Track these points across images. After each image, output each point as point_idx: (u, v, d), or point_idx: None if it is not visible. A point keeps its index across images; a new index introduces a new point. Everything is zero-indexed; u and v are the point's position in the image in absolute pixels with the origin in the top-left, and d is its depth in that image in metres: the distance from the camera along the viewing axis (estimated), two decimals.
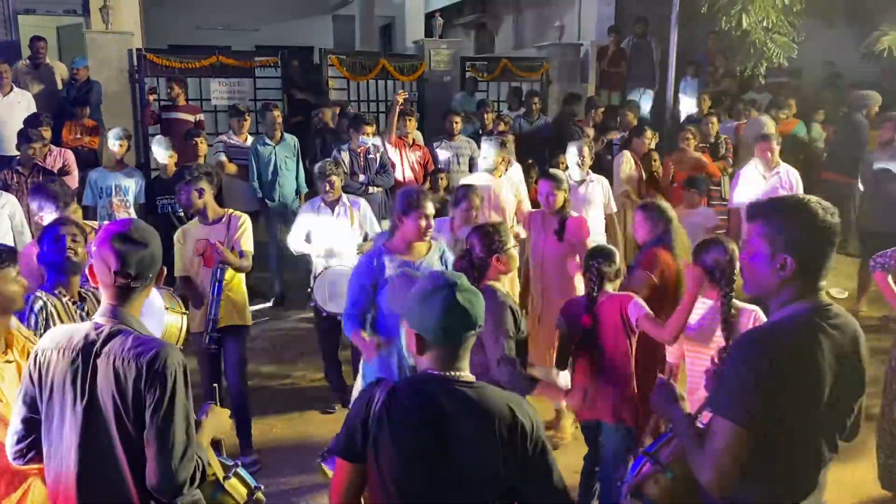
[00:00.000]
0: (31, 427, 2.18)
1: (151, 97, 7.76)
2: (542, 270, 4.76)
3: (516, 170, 6.43)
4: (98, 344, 2.07)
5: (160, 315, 3.56)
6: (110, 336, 2.08)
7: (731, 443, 1.86)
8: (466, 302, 1.89)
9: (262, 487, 2.44)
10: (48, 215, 4.08)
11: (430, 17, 10.43)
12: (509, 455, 1.87)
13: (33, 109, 7.16)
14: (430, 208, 3.66)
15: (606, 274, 3.58)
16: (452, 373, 1.92)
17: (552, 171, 4.99)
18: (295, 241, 5.29)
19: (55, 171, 6.03)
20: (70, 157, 6.37)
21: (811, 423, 1.92)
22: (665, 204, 4.38)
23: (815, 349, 1.88)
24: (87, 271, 2.24)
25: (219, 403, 2.57)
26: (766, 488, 1.95)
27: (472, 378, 1.96)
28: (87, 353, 2.07)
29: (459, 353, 1.93)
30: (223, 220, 4.33)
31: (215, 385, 2.86)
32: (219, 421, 2.41)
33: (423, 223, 3.62)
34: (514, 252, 3.47)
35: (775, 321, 1.98)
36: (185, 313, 3.71)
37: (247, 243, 4.32)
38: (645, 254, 4.12)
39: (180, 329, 3.61)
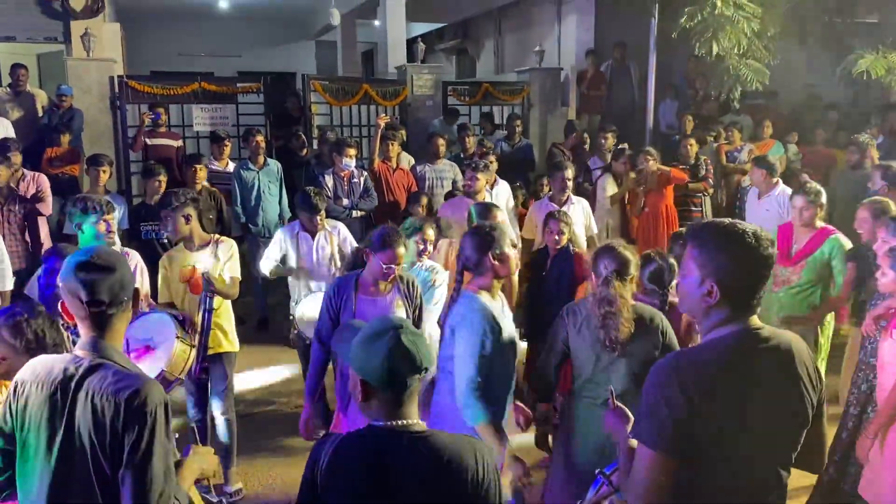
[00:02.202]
0: (9, 461, 2.09)
1: (147, 118, 7.72)
2: None
3: (503, 188, 6.47)
4: (77, 378, 1.99)
5: (171, 340, 3.57)
6: (90, 370, 2.00)
7: (652, 468, 1.83)
8: (411, 344, 1.85)
9: None
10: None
11: (411, 42, 10.52)
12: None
13: (12, 136, 7.10)
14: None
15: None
16: (399, 422, 1.87)
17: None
18: (267, 264, 5.13)
19: (28, 196, 5.93)
20: (44, 182, 6.14)
21: (743, 451, 1.85)
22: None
23: (737, 376, 1.83)
24: (60, 308, 2.13)
25: (204, 443, 2.50)
26: None
27: (421, 426, 1.90)
28: (65, 388, 1.99)
29: (405, 399, 1.88)
30: (209, 245, 4.30)
31: (194, 426, 2.78)
32: (203, 460, 2.34)
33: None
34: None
35: (698, 346, 1.96)
36: (193, 346, 3.74)
37: (234, 269, 4.28)
38: None
39: (186, 361, 3.61)
